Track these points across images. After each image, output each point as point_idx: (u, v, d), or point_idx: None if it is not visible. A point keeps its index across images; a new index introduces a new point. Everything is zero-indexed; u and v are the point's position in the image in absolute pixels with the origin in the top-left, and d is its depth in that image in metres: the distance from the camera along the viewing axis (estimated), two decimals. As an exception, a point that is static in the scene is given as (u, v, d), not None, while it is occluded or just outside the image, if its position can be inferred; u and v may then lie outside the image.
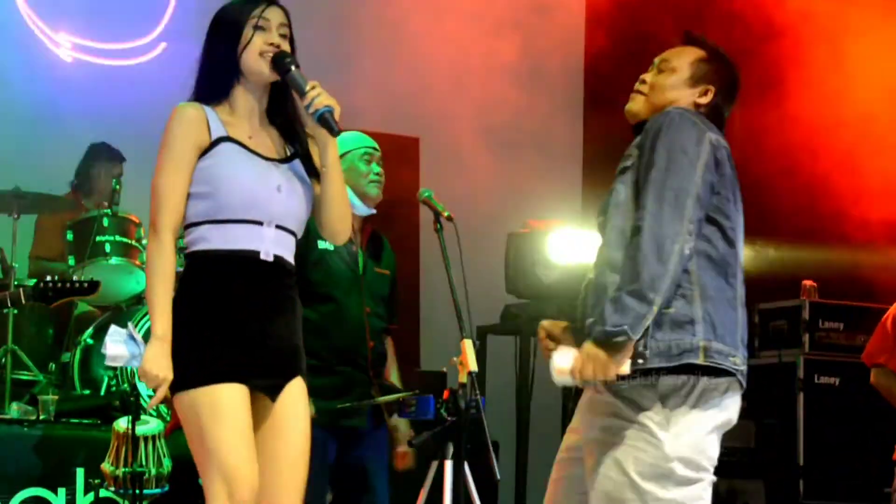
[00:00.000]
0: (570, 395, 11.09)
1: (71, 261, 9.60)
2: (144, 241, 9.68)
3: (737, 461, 9.86)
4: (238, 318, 5.09)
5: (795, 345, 10.28)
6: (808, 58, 10.84)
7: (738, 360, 5.11)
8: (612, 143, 12.07)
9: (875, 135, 10.60)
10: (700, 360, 4.98)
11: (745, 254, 5.25)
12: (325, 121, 5.11)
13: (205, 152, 5.07)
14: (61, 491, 8.52)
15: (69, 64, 11.50)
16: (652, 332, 4.92)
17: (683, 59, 5.29)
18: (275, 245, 5.13)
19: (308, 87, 5.13)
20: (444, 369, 6.14)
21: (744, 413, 9.84)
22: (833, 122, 10.86)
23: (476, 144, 11.14)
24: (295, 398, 5.17)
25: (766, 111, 11.66)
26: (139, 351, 5.00)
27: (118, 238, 9.61)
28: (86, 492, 8.54)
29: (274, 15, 5.20)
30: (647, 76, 5.32)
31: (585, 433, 5.13)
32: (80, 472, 8.55)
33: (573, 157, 12.99)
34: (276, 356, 5.14)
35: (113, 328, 5.07)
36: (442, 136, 11.94)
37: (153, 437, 8.06)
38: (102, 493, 8.42)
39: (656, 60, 5.35)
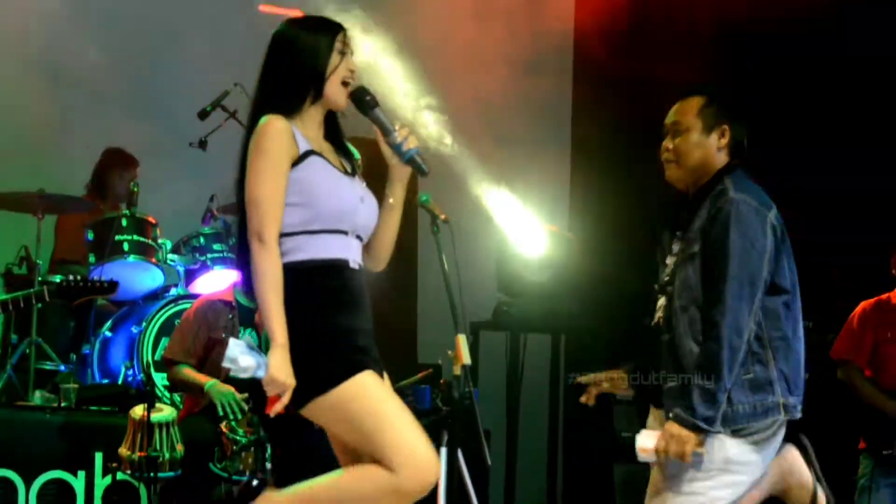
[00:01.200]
0: (558, 389, 11.18)
1: (91, 258, 9.62)
2: (161, 241, 9.74)
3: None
4: (352, 323, 5.06)
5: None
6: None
7: (799, 406, 5.43)
8: (597, 151, 12.18)
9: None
10: (782, 416, 5.34)
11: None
12: (416, 162, 5.13)
13: (294, 164, 5.00)
14: (81, 473, 8.54)
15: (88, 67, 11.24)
16: (734, 395, 5.24)
17: (690, 115, 5.41)
18: (356, 253, 5.13)
19: (397, 127, 5.13)
20: (440, 362, 6.18)
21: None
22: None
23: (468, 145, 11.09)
24: (389, 384, 5.18)
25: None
26: (263, 360, 4.94)
27: (136, 237, 9.63)
28: (104, 475, 8.56)
29: (351, 42, 5.18)
30: (668, 143, 5.43)
31: None
32: (98, 456, 8.56)
33: (562, 163, 12.94)
34: (376, 351, 5.13)
35: (232, 341, 5.01)
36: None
37: (167, 424, 8.06)
38: (119, 476, 8.45)
39: (668, 124, 5.45)
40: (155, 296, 9.80)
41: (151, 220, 9.80)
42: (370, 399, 4.97)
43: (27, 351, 9.51)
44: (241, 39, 11.33)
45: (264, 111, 5.03)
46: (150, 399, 8.23)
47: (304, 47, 5.09)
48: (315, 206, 5.01)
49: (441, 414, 6.24)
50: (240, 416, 8.11)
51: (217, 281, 9.61)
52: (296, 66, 5.08)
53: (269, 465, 7.90)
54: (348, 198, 5.08)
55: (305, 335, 4.97)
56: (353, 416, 4.96)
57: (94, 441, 8.57)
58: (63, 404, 9.05)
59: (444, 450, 6.26)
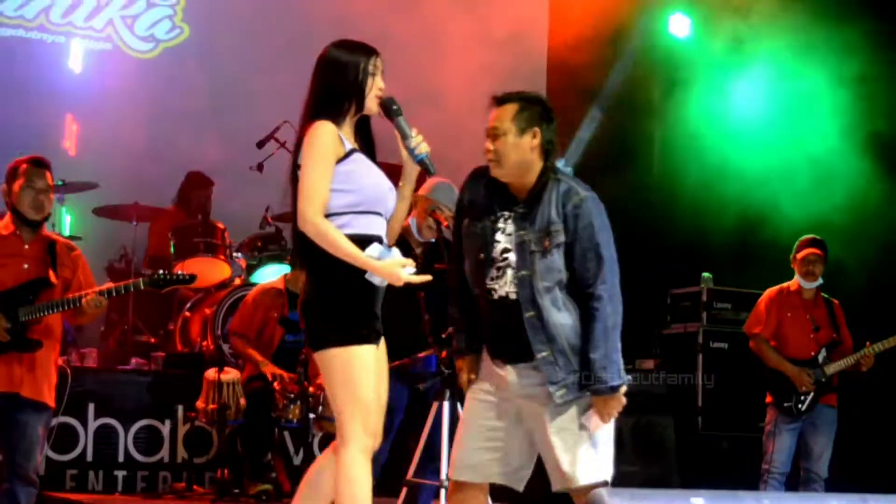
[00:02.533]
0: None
1: (175, 256, 9.69)
2: (228, 242, 9.79)
3: (652, 403, 9.93)
4: (376, 292, 4.96)
5: (696, 319, 10.34)
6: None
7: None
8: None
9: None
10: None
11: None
12: (425, 164, 5.04)
13: (341, 159, 4.93)
14: (167, 421, 8.60)
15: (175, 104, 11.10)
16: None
17: (506, 120, 5.10)
18: (385, 232, 5.04)
19: (413, 133, 5.05)
20: (444, 335, 6.19)
21: (658, 367, 9.99)
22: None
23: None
24: (383, 353, 5.06)
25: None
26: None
27: (209, 239, 9.68)
28: (184, 423, 8.62)
29: (381, 63, 5.11)
30: (489, 145, 5.11)
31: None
32: (180, 408, 8.63)
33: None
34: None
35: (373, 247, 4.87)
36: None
37: (233, 383, 8.10)
38: (196, 423, 8.52)
39: (488, 129, 5.14)
40: (223, 285, 9.83)
41: (221, 225, 9.86)
42: (361, 371, 4.87)
43: (126, 327, 9.57)
44: (289, 83, 11.44)
45: (316, 117, 4.97)
46: (220, 364, 8.29)
47: (345, 70, 5.03)
48: (361, 192, 4.95)
49: (445, 375, 6.23)
50: (287, 391, 8.12)
51: (271, 273, 9.65)
52: (340, 83, 5.03)
53: (311, 415, 7.94)
54: (385, 186, 5.04)
55: (348, 294, 4.89)
56: (343, 376, 4.86)
57: (177, 396, 8.64)
58: (153, 368, 9.12)
59: (447, 404, 6.28)
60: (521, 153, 5.09)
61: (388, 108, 5.08)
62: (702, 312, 10.31)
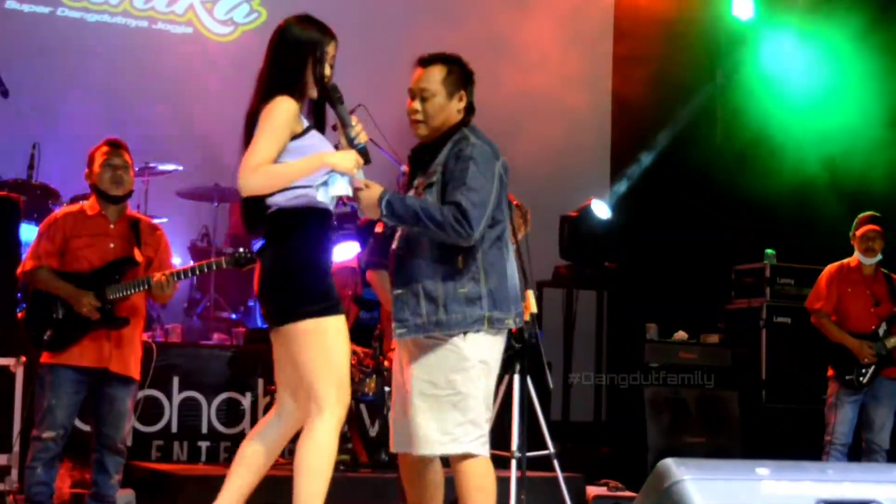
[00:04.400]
0: (602, 332, 11.21)
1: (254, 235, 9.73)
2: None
3: (717, 377, 9.92)
4: (329, 262, 4.95)
5: (760, 294, 10.31)
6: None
7: (511, 321, 5.12)
8: (635, 151, 12.13)
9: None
10: (485, 326, 5.01)
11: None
12: (364, 153, 4.98)
13: (299, 135, 4.85)
14: (247, 394, 8.65)
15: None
16: (450, 307, 4.97)
17: (435, 82, 5.15)
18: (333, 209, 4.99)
19: (353, 122, 5.01)
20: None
21: (722, 342, 10.00)
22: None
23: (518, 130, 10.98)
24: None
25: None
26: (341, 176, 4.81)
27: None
28: (264, 395, 8.67)
29: (333, 49, 5.03)
30: (417, 105, 5.16)
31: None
32: (260, 382, 8.68)
33: (603, 145, 12.86)
34: None
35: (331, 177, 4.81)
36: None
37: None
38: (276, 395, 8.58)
39: (414, 89, 5.18)
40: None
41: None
42: (335, 340, 4.83)
43: (208, 304, 9.67)
44: (364, 66, 11.49)
45: (274, 94, 4.85)
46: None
47: (301, 48, 4.96)
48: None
49: (515, 350, 6.25)
50: (363, 365, 8.17)
51: (345, 251, 9.69)
52: (294, 62, 4.94)
53: (387, 389, 7.99)
54: None
55: (307, 266, 4.83)
56: (316, 347, 4.78)
57: (257, 370, 8.65)
58: (234, 343, 9.20)
59: (517, 377, 6.31)
60: (448, 114, 5.15)
61: (331, 95, 5.03)
62: (765, 288, 10.29)
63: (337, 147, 5.09)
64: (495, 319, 5.04)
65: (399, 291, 5.06)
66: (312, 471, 4.74)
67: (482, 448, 5.04)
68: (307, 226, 4.88)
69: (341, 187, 4.85)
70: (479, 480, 5.05)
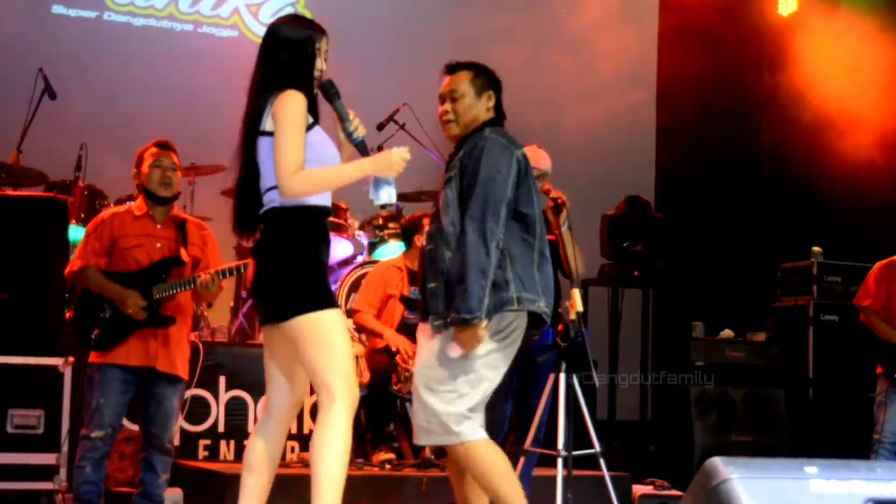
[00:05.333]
0: (648, 329, 11.16)
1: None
2: (350, 220, 9.83)
3: (764, 375, 9.87)
4: (326, 258, 4.98)
5: (807, 292, 10.25)
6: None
7: (541, 304, 5.21)
8: (680, 147, 12.07)
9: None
10: (515, 306, 5.12)
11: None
12: (361, 146, 4.98)
13: (307, 129, 4.85)
14: (295, 393, 8.68)
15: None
16: None
17: (464, 84, 5.30)
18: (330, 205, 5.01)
19: (351, 117, 5.01)
20: (560, 310, 6.19)
21: (769, 340, 9.95)
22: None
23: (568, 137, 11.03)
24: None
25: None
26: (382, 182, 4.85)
27: (332, 219, 9.69)
28: (310, 395, 8.64)
29: (326, 44, 5.02)
30: (447, 107, 5.32)
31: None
32: (306, 381, 8.68)
33: (647, 145, 12.81)
34: None
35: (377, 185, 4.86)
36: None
37: (356, 357, 8.14)
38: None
39: (444, 93, 5.33)
40: (346, 262, 9.90)
41: (343, 205, 9.91)
42: (338, 332, 4.83)
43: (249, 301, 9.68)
44: (407, 66, 11.49)
45: (280, 89, 4.86)
46: (344, 338, 8.33)
47: (296, 45, 4.97)
48: (322, 164, 4.87)
49: (560, 348, 6.23)
50: (410, 353, 8.19)
51: (392, 250, 9.70)
52: (291, 60, 4.94)
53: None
54: (339, 160, 4.98)
55: (305, 264, 4.82)
56: (319, 340, 4.79)
57: (303, 369, 8.67)
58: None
59: (563, 375, 6.28)
60: (476, 112, 5.28)
61: (327, 90, 5.03)
62: (812, 286, 10.22)
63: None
64: (525, 300, 5.13)
65: (432, 285, 5.15)
66: (329, 457, 4.76)
67: (476, 434, 5.13)
68: (303, 224, 4.88)
69: (386, 194, 4.90)
70: (485, 465, 5.16)
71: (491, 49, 11.20)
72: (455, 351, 5.05)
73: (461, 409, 5.10)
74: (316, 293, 4.83)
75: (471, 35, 11.63)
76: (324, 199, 4.93)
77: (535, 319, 5.28)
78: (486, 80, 5.34)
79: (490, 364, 5.18)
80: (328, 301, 4.84)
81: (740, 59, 12.02)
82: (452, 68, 5.37)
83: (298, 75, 4.93)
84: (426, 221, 8.32)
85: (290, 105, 4.82)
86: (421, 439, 5.22)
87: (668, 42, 12.49)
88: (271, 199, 4.90)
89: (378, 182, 4.89)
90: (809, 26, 11.40)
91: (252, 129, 4.92)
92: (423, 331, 5.32)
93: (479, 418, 5.18)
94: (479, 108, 5.29)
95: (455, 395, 5.11)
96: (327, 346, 4.81)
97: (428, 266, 5.19)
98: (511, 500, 5.17)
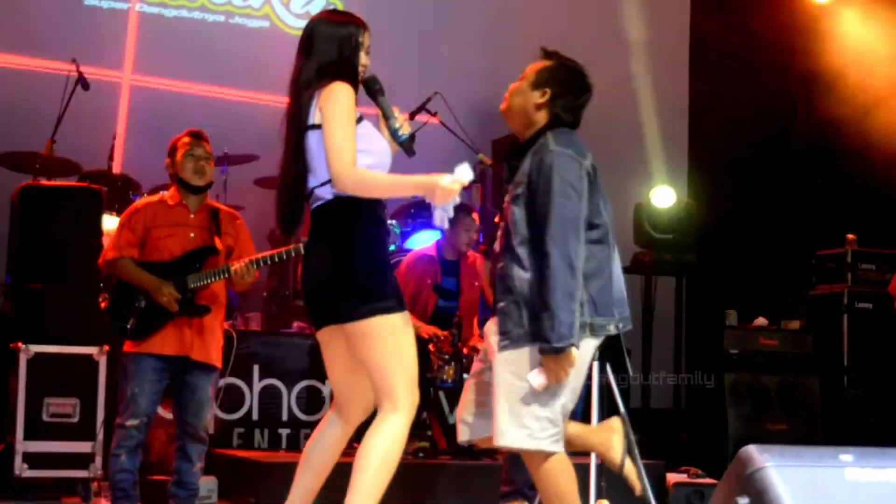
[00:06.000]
0: (681, 318, 11.13)
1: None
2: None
3: (799, 363, 9.83)
4: (389, 254, 4.91)
5: (842, 280, 10.20)
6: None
7: (612, 327, 5.06)
8: (714, 134, 12.03)
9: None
10: (587, 333, 4.95)
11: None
12: (408, 144, 4.89)
13: (357, 122, 4.73)
14: (327, 382, 8.59)
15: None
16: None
17: (533, 70, 5.14)
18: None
19: (396, 113, 4.92)
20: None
21: (803, 328, 9.92)
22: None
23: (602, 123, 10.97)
24: None
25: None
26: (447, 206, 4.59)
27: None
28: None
29: (368, 38, 4.91)
30: (513, 84, 5.19)
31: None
32: (340, 369, 8.69)
33: (680, 130, 12.75)
34: None
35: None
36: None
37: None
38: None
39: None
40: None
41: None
42: (410, 337, 4.72)
43: (287, 292, 9.70)
44: (439, 56, 11.48)
45: (326, 82, 4.76)
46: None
47: (341, 41, 4.84)
48: (378, 154, 4.80)
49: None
50: (442, 351, 8.19)
51: (424, 239, 9.70)
52: (336, 56, 4.81)
53: (465, 376, 7.99)
54: (388, 149, 4.88)
55: (378, 260, 4.72)
56: (388, 344, 4.67)
57: (337, 358, 8.68)
58: (313, 331, 9.20)
59: (597, 364, 6.27)
60: (524, 102, 5.11)
61: (371, 87, 4.92)
62: (846, 273, 10.17)
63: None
64: (597, 326, 4.99)
65: (501, 304, 5.02)
66: (379, 464, 4.68)
67: (556, 445, 4.99)
68: (366, 217, 4.74)
69: (439, 217, 4.68)
70: (556, 479, 5.04)
71: (523, 37, 11.20)
72: (540, 379, 4.88)
73: (545, 408, 4.95)
74: (383, 295, 4.69)
75: (504, 21, 11.61)
76: None
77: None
78: (553, 77, 5.11)
79: (568, 386, 5.02)
80: (396, 304, 4.71)
81: (776, 44, 11.95)
82: (544, 55, 5.21)
83: (342, 71, 4.80)
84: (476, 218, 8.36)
85: (339, 97, 4.71)
86: (499, 440, 4.99)
87: (702, 31, 12.44)
88: (324, 194, 4.79)
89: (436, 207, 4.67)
90: (847, 9, 11.33)
91: (298, 125, 4.80)
92: (492, 331, 5.15)
93: (563, 426, 5.04)
94: (529, 98, 5.10)
95: (536, 405, 4.95)
96: (398, 352, 4.70)
97: (499, 284, 5.06)
98: None
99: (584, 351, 5.00)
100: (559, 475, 5.04)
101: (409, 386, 4.71)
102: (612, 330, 5.06)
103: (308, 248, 4.92)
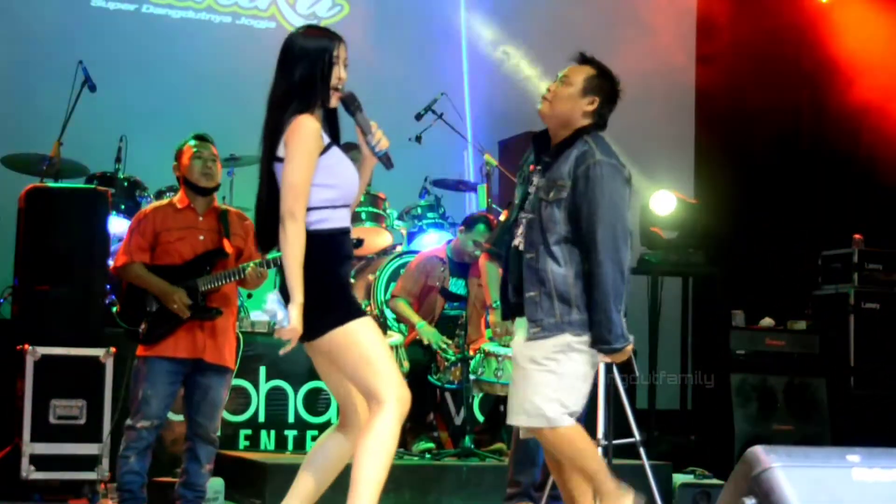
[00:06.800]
0: (687, 318, 11.11)
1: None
2: (388, 210, 9.78)
3: (805, 364, 9.82)
4: (348, 276, 4.94)
5: (848, 280, 10.19)
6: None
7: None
8: (719, 133, 12.00)
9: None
10: None
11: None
12: (385, 159, 4.96)
13: (322, 153, 4.77)
14: (333, 383, 8.69)
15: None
16: (583, 307, 5.11)
17: (579, 76, 5.23)
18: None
19: (374, 130, 4.93)
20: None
21: (810, 328, 9.91)
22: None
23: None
24: None
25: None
26: (285, 313, 4.65)
27: (370, 209, 9.65)
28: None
29: (344, 51, 4.94)
30: (552, 85, 5.27)
31: None
32: (346, 371, 8.69)
33: (687, 138, 12.75)
34: None
35: (270, 295, 4.74)
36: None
37: (396, 347, 8.10)
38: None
39: (560, 74, 5.27)
40: (385, 252, 9.90)
41: (381, 195, 9.87)
42: (373, 338, 4.79)
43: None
44: (446, 57, 11.48)
45: (293, 110, 4.79)
46: (384, 328, 8.35)
47: (315, 57, 4.87)
48: (340, 187, 4.81)
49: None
50: (444, 347, 8.19)
51: (431, 240, 9.70)
52: (311, 73, 4.84)
53: (472, 377, 7.99)
54: (356, 178, 4.91)
55: (328, 284, 4.76)
56: (359, 348, 4.74)
57: (343, 359, 8.67)
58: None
59: (602, 365, 6.27)
60: (572, 107, 5.21)
61: (348, 105, 4.94)
62: (853, 273, 10.16)
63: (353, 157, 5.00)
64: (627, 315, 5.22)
65: (532, 294, 5.14)
66: (374, 459, 4.71)
67: (566, 420, 5.11)
68: (324, 248, 4.79)
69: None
70: (571, 440, 5.15)
71: (530, 39, 11.21)
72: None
73: (555, 391, 5.11)
74: (341, 308, 4.79)
75: (511, 22, 11.61)
76: (343, 220, 4.86)
77: None
78: (600, 85, 5.26)
79: (586, 377, 5.21)
80: (355, 312, 4.80)
81: (780, 44, 11.95)
82: (582, 59, 5.32)
83: (315, 88, 4.84)
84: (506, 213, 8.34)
85: (300, 134, 4.76)
86: (512, 419, 5.24)
87: (707, 30, 12.43)
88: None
89: None
90: (850, 9, 11.32)
91: (269, 150, 4.84)
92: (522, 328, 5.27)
93: (576, 406, 5.18)
94: (577, 105, 5.21)
95: (553, 376, 5.11)
96: (362, 355, 4.76)
97: (527, 273, 5.17)
98: (601, 476, 5.19)
99: (593, 356, 5.18)
100: (574, 437, 5.16)
101: (386, 380, 4.75)
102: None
103: (279, 270, 4.98)
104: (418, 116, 10.03)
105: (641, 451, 6.58)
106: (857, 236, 10.30)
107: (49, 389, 7.04)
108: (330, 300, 4.79)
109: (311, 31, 5.04)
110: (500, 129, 11.12)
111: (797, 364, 9.76)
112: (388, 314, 9.05)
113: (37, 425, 7.01)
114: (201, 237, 6.56)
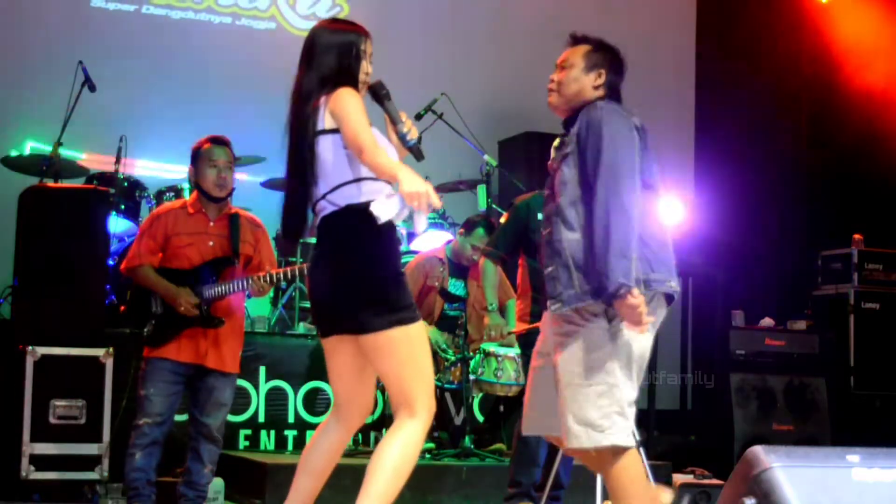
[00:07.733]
0: (688, 318, 11.11)
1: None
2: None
3: (805, 364, 9.82)
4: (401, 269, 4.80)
5: (848, 280, 10.19)
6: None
7: (673, 283, 4.88)
8: (719, 132, 12.01)
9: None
10: (643, 289, 4.68)
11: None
12: (416, 149, 4.84)
13: None
14: (333, 383, 8.70)
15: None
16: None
17: (577, 56, 5.02)
18: None
19: (403, 118, 4.84)
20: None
21: (810, 329, 9.90)
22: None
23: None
24: None
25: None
26: (401, 204, 4.43)
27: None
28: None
29: (370, 46, 4.89)
30: (554, 76, 5.05)
31: None
32: (346, 371, 8.69)
33: (686, 137, 12.76)
34: None
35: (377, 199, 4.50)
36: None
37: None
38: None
39: (558, 63, 5.06)
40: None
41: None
42: (426, 346, 4.73)
43: (293, 294, 9.71)
44: (446, 56, 11.48)
45: (327, 91, 4.71)
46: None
47: (342, 50, 4.81)
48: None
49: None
50: (444, 347, 8.18)
51: (430, 240, 9.68)
52: (337, 66, 4.77)
53: (472, 377, 7.99)
54: (396, 157, 4.77)
55: (391, 271, 4.66)
56: (406, 354, 4.63)
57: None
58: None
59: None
60: (580, 87, 5.00)
61: (377, 92, 4.85)
62: (853, 273, 10.17)
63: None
64: (652, 281, 4.79)
65: (550, 269, 4.84)
66: (393, 470, 4.65)
67: (628, 440, 4.79)
68: (377, 228, 4.60)
69: (393, 210, 4.54)
70: (628, 472, 4.83)
71: (530, 39, 11.20)
72: (629, 328, 4.70)
73: (612, 402, 4.75)
74: (408, 305, 4.67)
75: (510, 22, 11.62)
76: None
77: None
78: (602, 57, 5.03)
79: (634, 347, 4.83)
80: (413, 315, 4.67)
81: (780, 43, 11.95)
82: (575, 40, 5.11)
83: (344, 80, 4.74)
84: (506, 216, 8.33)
85: (349, 99, 4.64)
86: (571, 443, 4.79)
87: (706, 29, 12.44)
88: (336, 200, 4.72)
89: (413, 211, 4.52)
90: (851, 8, 11.32)
91: (304, 135, 4.75)
92: (549, 322, 4.96)
93: (632, 417, 4.83)
94: (584, 82, 5.00)
95: (605, 386, 4.74)
96: (415, 361, 4.68)
97: (546, 250, 4.90)
98: None
99: (652, 306, 4.83)
100: (630, 467, 4.82)
101: (427, 394, 4.69)
102: (672, 286, 4.89)
103: (316, 257, 4.83)
104: (418, 116, 10.01)
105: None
106: (857, 236, 10.31)
107: (49, 389, 7.03)
108: (395, 294, 4.65)
109: (338, 24, 4.98)
110: (500, 129, 11.12)
111: (797, 364, 9.75)
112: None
113: (37, 425, 7.00)
114: (211, 243, 6.54)
